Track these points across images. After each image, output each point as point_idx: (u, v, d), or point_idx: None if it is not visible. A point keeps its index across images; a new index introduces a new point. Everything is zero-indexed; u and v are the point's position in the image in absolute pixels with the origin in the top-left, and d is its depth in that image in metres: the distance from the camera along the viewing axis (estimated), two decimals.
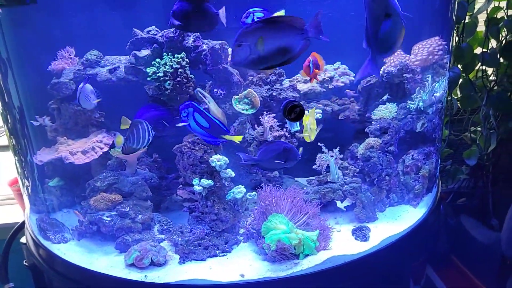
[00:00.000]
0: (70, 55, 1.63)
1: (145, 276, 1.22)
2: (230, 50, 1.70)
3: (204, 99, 1.65)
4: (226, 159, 1.33)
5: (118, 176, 1.48)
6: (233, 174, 1.36)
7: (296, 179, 1.80)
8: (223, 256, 1.30)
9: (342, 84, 1.78)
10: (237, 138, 1.29)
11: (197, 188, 1.28)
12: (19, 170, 1.61)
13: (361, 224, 1.41)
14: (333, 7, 1.35)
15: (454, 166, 2.19)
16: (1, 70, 1.41)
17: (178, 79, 1.51)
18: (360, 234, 1.33)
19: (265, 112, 1.68)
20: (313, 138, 1.41)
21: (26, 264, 1.54)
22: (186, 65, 1.53)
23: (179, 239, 1.33)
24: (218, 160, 1.30)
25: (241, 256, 1.30)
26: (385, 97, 1.67)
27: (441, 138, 1.63)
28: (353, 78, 1.80)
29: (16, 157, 1.59)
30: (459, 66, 1.97)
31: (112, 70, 1.59)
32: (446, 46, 1.65)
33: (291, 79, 1.88)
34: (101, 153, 1.49)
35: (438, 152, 1.66)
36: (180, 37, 1.57)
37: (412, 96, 1.50)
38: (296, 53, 0.97)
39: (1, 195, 2.09)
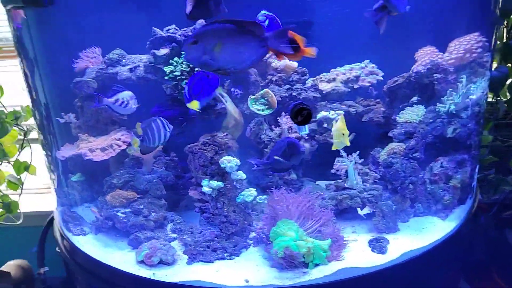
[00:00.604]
0: (94, 54, 1.71)
1: (154, 273, 1.25)
2: None
3: (222, 98, 1.66)
4: (237, 160, 1.33)
5: (135, 174, 1.54)
6: (244, 176, 1.35)
7: (317, 182, 1.76)
8: (231, 259, 1.30)
9: (368, 84, 1.70)
10: (194, 105, 1.29)
11: (206, 189, 1.29)
12: (47, 164, 1.72)
13: (379, 235, 1.34)
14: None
15: (498, 176, 2.02)
16: (29, 69, 1.52)
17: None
18: (377, 245, 1.27)
19: (283, 113, 1.66)
20: (347, 143, 1.34)
21: (57, 251, 1.64)
22: None
23: (189, 239, 1.35)
24: (228, 161, 1.30)
25: (249, 261, 1.29)
26: (414, 99, 1.57)
27: (479, 145, 1.50)
28: (382, 78, 1.71)
29: (44, 152, 1.71)
30: (510, 65, 1.82)
31: (132, 68, 1.64)
32: (486, 43, 1.52)
33: (314, 78, 1.84)
34: (119, 150, 1.55)
35: (475, 160, 1.54)
36: None
37: (442, 98, 1.40)
38: (252, 61, 0.94)
39: (43, 183, 2.25)
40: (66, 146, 1.61)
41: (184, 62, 1.52)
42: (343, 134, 1.31)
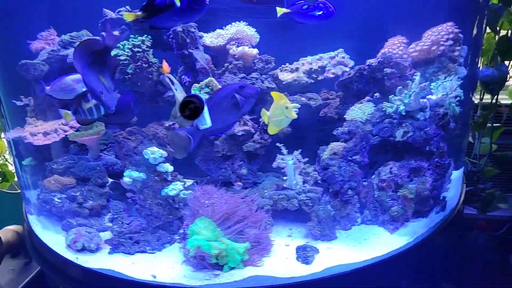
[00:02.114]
0: (52, 36, 1.77)
1: (77, 258, 1.33)
2: (198, 33, 1.67)
3: (171, 86, 1.66)
4: (163, 152, 1.34)
5: (78, 161, 1.59)
6: (171, 168, 1.36)
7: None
8: (151, 253, 1.33)
9: (332, 76, 1.62)
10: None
11: (126, 179, 1.31)
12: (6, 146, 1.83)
13: (314, 242, 1.30)
14: None
15: (497, 191, 1.88)
16: None
17: (138, 63, 1.54)
18: (303, 254, 1.23)
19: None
20: (274, 131, 1.28)
21: None
22: (148, 49, 1.56)
23: (118, 229, 1.39)
24: (152, 152, 1.31)
25: (169, 257, 1.31)
26: (377, 95, 1.48)
27: (445, 152, 1.39)
28: (348, 69, 1.63)
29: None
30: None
31: None
32: (461, 35, 1.39)
33: (281, 68, 1.79)
34: (64, 135, 1.60)
35: (442, 170, 1.41)
36: None
37: (390, 97, 1.30)
38: None
39: None
40: (17, 129, 1.70)
41: (128, 46, 1.54)
42: (287, 107, 1.22)
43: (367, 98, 1.49)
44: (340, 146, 1.33)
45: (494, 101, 1.74)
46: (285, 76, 1.70)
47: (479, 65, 1.68)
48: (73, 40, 1.71)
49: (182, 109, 0.95)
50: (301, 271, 1.18)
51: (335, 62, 1.67)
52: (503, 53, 1.55)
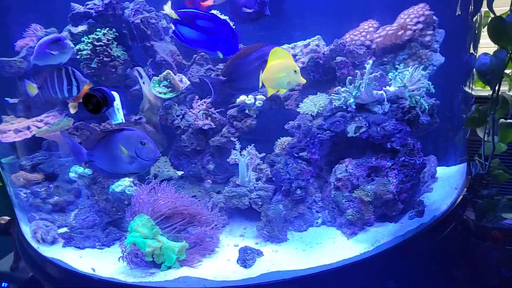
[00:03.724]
0: (36, 32, 1.89)
1: (38, 247, 1.47)
2: (163, 23, 1.70)
3: (140, 79, 1.72)
4: None
5: (49, 157, 1.70)
6: None
7: None
8: (100, 249, 1.40)
9: (302, 65, 1.57)
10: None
11: (71, 175, 1.38)
12: None
13: (260, 244, 1.29)
14: None
15: (503, 199, 1.73)
16: None
17: (100, 57, 1.60)
18: (243, 257, 1.22)
19: (196, 96, 1.65)
20: (302, 79, 1.15)
21: None
22: (110, 42, 1.61)
23: (74, 224, 1.48)
24: None
25: (116, 253, 1.36)
26: (343, 89, 1.42)
27: (416, 151, 1.30)
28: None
29: None
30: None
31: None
32: (435, 17, 1.29)
33: None
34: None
35: (411, 170, 1.30)
36: (111, 11, 1.65)
37: (336, 88, 1.24)
38: None
39: None
40: None
41: (89, 41, 1.60)
42: (295, 71, 1.11)
43: (337, 89, 1.43)
44: (287, 142, 1.30)
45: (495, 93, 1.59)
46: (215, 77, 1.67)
47: (473, 52, 1.55)
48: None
49: (85, 104, 0.98)
50: (237, 275, 1.17)
51: (308, 50, 1.62)
52: (496, 37, 1.40)
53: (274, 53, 1.10)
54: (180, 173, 1.83)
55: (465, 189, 1.67)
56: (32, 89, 1.34)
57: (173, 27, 1.17)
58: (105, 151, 1.09)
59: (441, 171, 1.67)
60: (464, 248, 1.76)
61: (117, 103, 1.07)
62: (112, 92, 1.05)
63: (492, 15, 1.50)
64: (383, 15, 1.48)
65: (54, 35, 1.47)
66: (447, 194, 1.58)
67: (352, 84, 1.18)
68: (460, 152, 1.74)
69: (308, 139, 1.25)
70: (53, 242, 1.48)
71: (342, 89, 1.22)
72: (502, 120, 1.71)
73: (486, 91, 1.73)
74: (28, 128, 1.71)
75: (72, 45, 1.44)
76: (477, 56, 1.56)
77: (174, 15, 1.13)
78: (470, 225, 1.76)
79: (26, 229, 1.59)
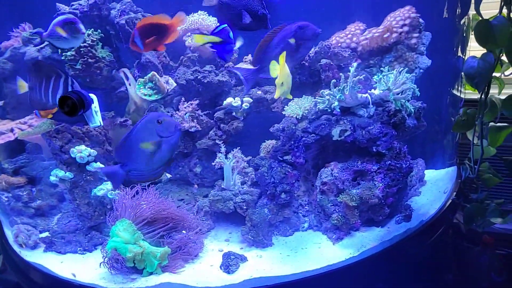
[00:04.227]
0: (21, 32, 1.86)
1: (20, 251, 1.44)
2: None
3: (125, 80, 1.70)
4: (92, 151, 1.37)
5: (32, 160, 1.67)
6: (101, 167, 1.39)
7: None
8: (81, 254, 1.37)
9: None
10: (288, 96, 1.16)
11: (52, 178, 1.36)
12: None
13: (245, 248, 1.27)
14: None
15: (492, 203, 1.72)
16: None
17: (85, 58, 1.58)
18: (225, 262, 1.20)
19: (183, 98, 1.63)
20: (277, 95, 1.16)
21: None
22: (95, 43, 1.59)
23: (56, 228, 1.45)
24: (79, 151, 1.34)
25: (98, 258, 1.34)
26: (327, 92, 1.41)
27: (402, 154, 1.29)
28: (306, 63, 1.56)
29: None
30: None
31: (41, 48, 1.76)
32: (421, 20, 1.29)
33: (244, 59, 1.76)
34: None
35: (397, 174, 1.28)
36: (96, 11, 1.63)
37: (321, 91, 1.23)
38: None
39: None
40: None
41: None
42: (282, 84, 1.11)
43: (321, 92, 1.42)
44: (271, 145, 1.28)
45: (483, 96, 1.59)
46: (245, 67, 1.66)
47: (461, 55, 1.54)
48: (32, 37, 1.80)
49: (61, 105, 0.96)
50: (219, 281, 1.15)
51: None
52: (482, 40, 1.39)
53: None
54: (168, 175, 1.81)
55: (454, 193, 1.67)
56: (22, 87, 1.26)
57: (214, 50, 1.15)
58: (134, 156, 1.07)
59: (429, 174, 1.66)
60: (453, 253, 1.75)
61: (95, 105, 1.05)
62: (90, 95, 1.03)
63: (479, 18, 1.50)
64: (370, 18, 1.47)
65: (67, 17, 1.37)
66: (435, 198, 1.57)
67: (336, 87, 1.17)
68: (449, 155, 1.73)
69: (292, 142, 1.23)
70: (35, 246, 1.45)
71: (326, 92, 1.21)
72: (491, 123, 1.71)
73: (476, 94, 1.73)
74: (12, 130, 1.68)
75: (84, 30, 1.35)
76: (465, 59, 1.56)
77: (216, 38, 1.11)
78: (460, 230, 1.76)
79: (9, 233, 1.56)
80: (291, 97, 1.19)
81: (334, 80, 1.20)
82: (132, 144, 1.07)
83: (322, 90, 1.24)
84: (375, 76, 1.20)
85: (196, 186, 1.66)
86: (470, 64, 1.52)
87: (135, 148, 1.06)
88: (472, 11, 1.48)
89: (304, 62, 1.36)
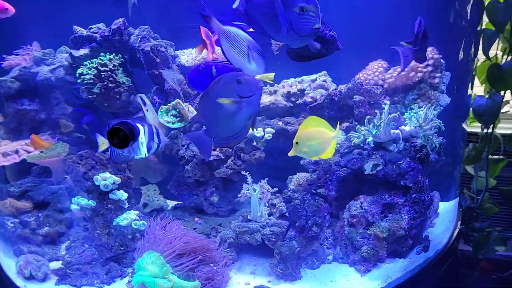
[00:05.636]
0: (29, 51, 1.79)
1: (25, 285, 1.33)
2: (171, 52, 1.68)
3: (143, 106, 1.66)
4: (117, 178, 1.32)
5: (40, 183, 1.58)
6: (125, 196, 1.33)
7: None
8: (99, 287, 1.30)
9: (310, 100, 1.59)
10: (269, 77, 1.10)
11: (73, 207, 1.30)
12: None
13: (273, 282, 1.24)
14: None
15: (495, 231, 1.79)
16: None
17: (104, 83, 1.54)
18: None
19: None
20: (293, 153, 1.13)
21: None
22: (116, 68, 1.56)
23: (69, 259, 1.37)
24: (103, 179, 1.29)
25: None
26: (357, 123, 1.44)
27: (425, 188, 1.32)
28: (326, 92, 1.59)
29: None
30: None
31: (54, 69, 1.70)
32: (442, 61, 1.35)
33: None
34: (25, 156, 1.60)
35: (420, 207, 1.32)
36: (118, 36, 1.60)
37: (357, 126, 1.26)
38: None
39: None
40: None
41: (93, 66, 1.55)
42: (296, 143, 1.10)
43: (345, 125, 1.45)
44: (305, 178, 1.29)
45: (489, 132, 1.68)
46: (264, 99, 1.68)
47: (470, 93, 1.63)
48: (45, 57, 1.74)
49: (110, 137, 0.92)
50: None
51: (316, 85, 1.65)
52: (493, 81, 1.49)
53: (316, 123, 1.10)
54: (172, 203, 1.77)
55: (459, 222, 1.72)
56: (103, 145, 1.12)
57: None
58: (216, 120, 0.99)
59: (440, 206, 1.71)
60: (461, 278, 1.80)
61: (141, 136, 1.01)
62: (137, 125, 1.00)
63: (483, 60, 1.60)
64: (385, 54, 1.53)
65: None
66: (446, 228, 1.61)
67: (371, 124, 1.20)
68: (455, 187, 1.79)
69: (328, 176, 1.24)
70: (44, 279, 1.35)
71: (363, 128, 1.24)
72: (489, 156, 1.80)
73: (473, 128, 1.83)
74: (17, 152, 1.60)
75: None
76: (473, 96, 1.65)
77: (270, 75, 1.07)
78: (464, 257, 1.81)
79: (10, 263, 1.44)
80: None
81: (368, 116, 1.23)
82: (213, 108, 0.97)
83: (358, 126, 1.27)
84: (406, 113, 1.24)
85: (197, 219, 1.63)
86: (478, 102, 1.62)
87: (215, 112, 0.97)
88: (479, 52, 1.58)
89: (334, 97, 1.39)
